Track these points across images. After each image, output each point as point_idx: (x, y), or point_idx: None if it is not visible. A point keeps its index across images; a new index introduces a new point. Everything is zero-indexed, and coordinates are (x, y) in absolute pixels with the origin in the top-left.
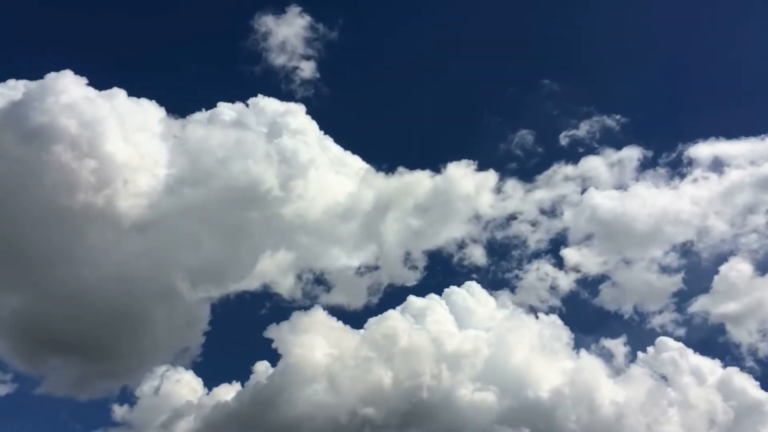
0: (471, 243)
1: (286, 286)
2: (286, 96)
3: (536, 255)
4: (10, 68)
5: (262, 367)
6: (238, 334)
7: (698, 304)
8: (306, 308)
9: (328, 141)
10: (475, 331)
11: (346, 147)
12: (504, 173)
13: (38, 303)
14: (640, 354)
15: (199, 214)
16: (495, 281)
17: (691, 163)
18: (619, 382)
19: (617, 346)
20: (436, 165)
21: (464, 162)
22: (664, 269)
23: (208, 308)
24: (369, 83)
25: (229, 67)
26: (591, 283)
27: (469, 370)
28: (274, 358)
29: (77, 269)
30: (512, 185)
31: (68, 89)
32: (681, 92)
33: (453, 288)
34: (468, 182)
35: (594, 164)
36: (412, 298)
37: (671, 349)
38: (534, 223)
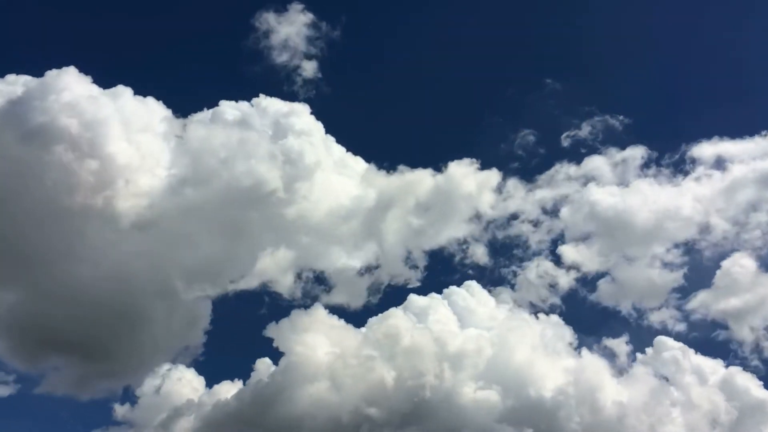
0: (472, 242)
1: (286, 284)
2: (287, 94)
3: (538, 254)
4: (10, 65)
5: (263, 365)
6: (240, 332)
7: (701, 302)
8: (306, 307)
9: (331, 141)
10: (476, 331)
11: (347, 144)
12: (506, 172)
13: (40, 302)
14: (642, 353)
15: (202, 213)
16: (496, 280)
17: (694, 162)
18: (622, 382)
19: (620, 344)
20: (438, 164)
21: (466, 161)
22: (666, 266)
23: (210, 306)
24: (371, 81)
25: (230, 66)
26: (592, 282)
27: (470, 369)
28: (275, 356)
29: (78, 268)
30: (514, 184)
31: (71, 86)
32: (684, 92)
33: (454, 287)
34: (470, 181)
35: (596, 164)
36: (413, 297)
37: (673, 348)
38: (536, 223)
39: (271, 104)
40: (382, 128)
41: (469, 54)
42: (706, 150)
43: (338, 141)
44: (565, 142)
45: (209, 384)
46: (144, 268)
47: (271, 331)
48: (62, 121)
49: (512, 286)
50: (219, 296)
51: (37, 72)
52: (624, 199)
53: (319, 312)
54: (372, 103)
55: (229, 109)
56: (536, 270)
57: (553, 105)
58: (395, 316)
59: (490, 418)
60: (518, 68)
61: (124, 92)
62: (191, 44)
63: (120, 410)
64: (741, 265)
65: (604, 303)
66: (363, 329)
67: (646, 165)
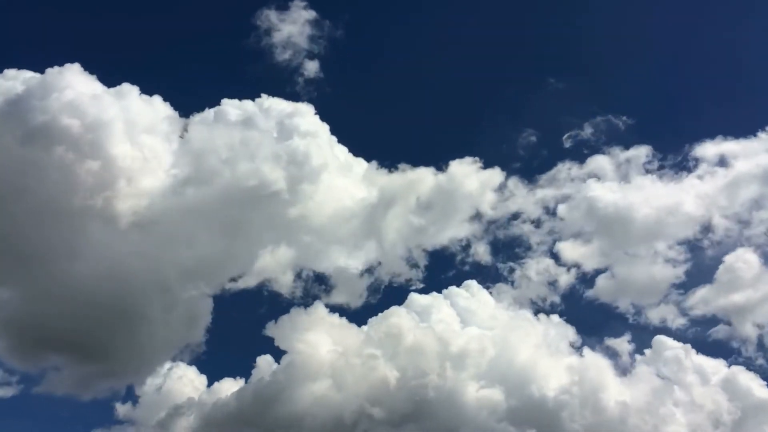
0: (474, 241)
1: (287, 283)
2: (289, 92)
3: (539, 254)
4: (11, 62)
5: (265, 364)
6: (241, 330)
7: (703, 298)
8: (306, 305)
9: (333, 141)
10: (478, 330)
11: (348, 142)
12: (509, 172)
13: (41, 302)
14: (644, 351)
15: (203, 212)
16: (497, 280)
17: (697, 161)
18: (624, 380)
19: (622, 343)
20: (439, 162)
21: (468, 159)
22: (668, 262)
23: (211, 304)
24: (373, 79)
25: (231, 64)
26: (594, 281)
27: (473, 368)
28: (277, 353)
29: (80, 268)
30: (517, 184)
31: (73, 84)
32: (686, 91)
33: (455, 286)
34: (472, 180)
35: (599, 163)
36: (414, 296)
37: (676, 347)
38: (538, 223)
39: (274, 104)
40: (384, 126)
41: (472, 53)
42: (709, 149)
43: (339, 139)
44: (568, 142)
45: (210, 382)
46: (145, 267)
47: (271, 329)
48: (64, 120)
49: (512, 283)
50: (220, 294)
51: (40, 69)
52: (625, 196)
53: (319, 310)
54: (374, 100)
55: (231, 108)
56: (536, 267)
57: (555, 104)
58: (397, 315)
59: (492, 418)
60: (521, 67)
61: (130, 91)
62: (191, 42)
63: (122, 409)
64: (744, 260)
65: (611, 304)
66: (364, 328)
67: (648, 164)
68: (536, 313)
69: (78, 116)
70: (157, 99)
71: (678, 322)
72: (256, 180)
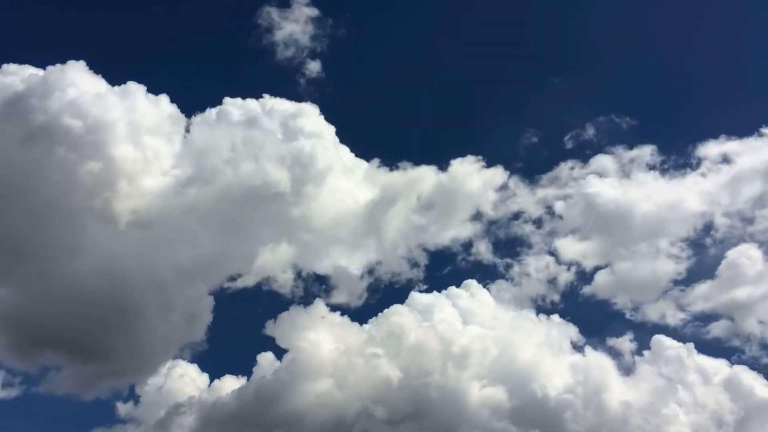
0: (475, 240)
1: (286, 282)
2: (291, 91)
3: (541, 253)
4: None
5: (266, 362)
6: (242, 328)
7: (703, 295)
8: (306, 304)
9: (337, 140)
10: (480, 329)
11: (350, 141)
12: (511, 171)
13: (41, 301)
14: (646, 351)
15: (205, 211)
16: (497, 277)
17: (699, 160)
18: (627, 380)
19: (624, 342)
20: (441, 161)
21: (470, 159)
22: (670, 258)
23: (212, 302)
24: (375, 77)
25: (232, 63)
26: (594, 280)
27: (475, 367)
28: (278, 352)
29: (80, 267)
30: (519, 183)
31: (77, 83)
32: (689, 91)
33: (456, 285)
34: (473, 179)
35: (602, 163)
36: (415, 295)
37: (678, 346)
38: (539, 222)
39: (277, 104)
40: (385, 124)
41: (475, 52)
42: (712, 149)
43: (341, 138)
44: (570, 142)
45: (212, 380)
46: (146, 266)
47: (270, 328)
48: (66, 119)
49: (511, 280)
50: (220, 292)
51: (45, 67)
52: (626, 192)
53: (320, 309)
54: (376, 98)
55: (234, 107)
56: (536, 264)
57: (557, 104)
58: (398, 314)
59: (494, 418)
60: (523, 67)
61: (136, 90)
62: (192, 41)
63: (123, 408)
64: (748, 256)
65: (612, 303)
66: (366, 326)
67: (651, 164)
68: (537, 312)
69: (80, 116)
70: (163, 98)
71: (678, 317)
72: (260, 180)
